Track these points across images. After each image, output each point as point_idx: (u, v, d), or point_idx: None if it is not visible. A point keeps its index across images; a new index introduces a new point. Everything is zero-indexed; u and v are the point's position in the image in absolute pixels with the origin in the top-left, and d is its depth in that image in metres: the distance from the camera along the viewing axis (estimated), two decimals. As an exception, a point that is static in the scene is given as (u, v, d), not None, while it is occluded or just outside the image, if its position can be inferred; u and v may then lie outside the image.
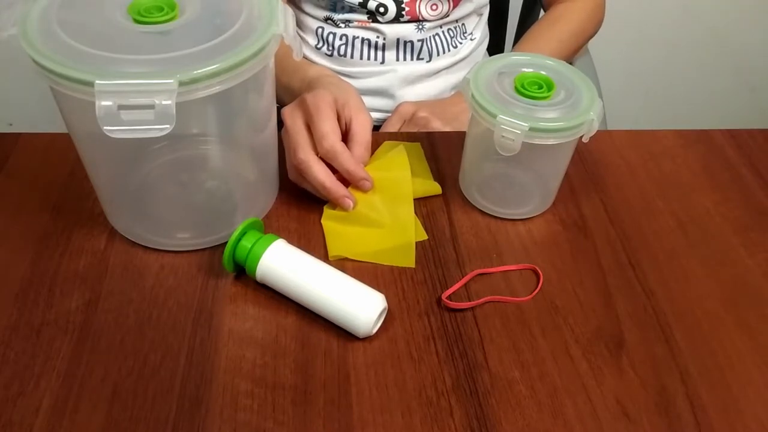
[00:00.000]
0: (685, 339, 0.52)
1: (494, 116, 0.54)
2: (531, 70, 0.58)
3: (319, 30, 0.84)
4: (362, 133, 0.59)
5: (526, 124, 0.53)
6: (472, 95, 0.56)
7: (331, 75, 0.67)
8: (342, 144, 0.57)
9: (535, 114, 0.54)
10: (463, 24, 0.87)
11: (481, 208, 0.62)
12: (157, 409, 0.46)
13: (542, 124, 0.53)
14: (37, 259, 0.55)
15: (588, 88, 0.57)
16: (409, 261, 0.57)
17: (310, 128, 0.58)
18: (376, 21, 0.81)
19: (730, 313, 0.55)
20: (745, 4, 1.46)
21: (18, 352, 0.49)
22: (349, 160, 0.57)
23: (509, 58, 0.60)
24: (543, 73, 0.58)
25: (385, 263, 0.56)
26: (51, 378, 0.48)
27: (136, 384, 0.48)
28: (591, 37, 0.89)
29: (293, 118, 0.59)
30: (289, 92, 0.70)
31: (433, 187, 0.63)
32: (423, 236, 0.59)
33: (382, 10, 0.79)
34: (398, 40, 0.83)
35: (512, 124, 0.53)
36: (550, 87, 0.56)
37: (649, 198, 0.65)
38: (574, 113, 0.55)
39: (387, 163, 0.62)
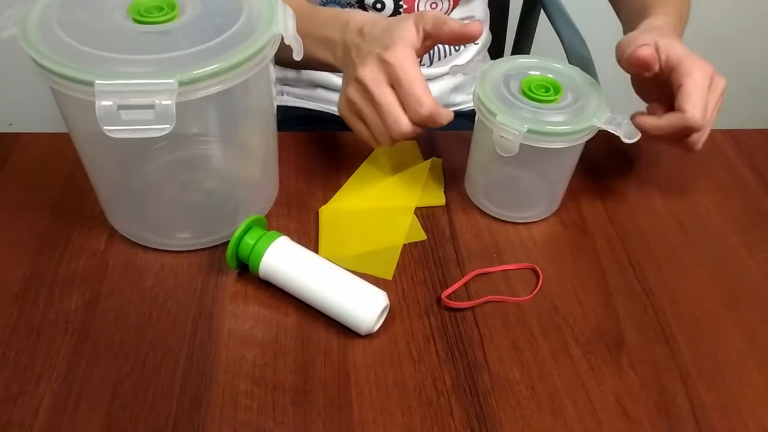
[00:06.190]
0: (685, 339, 0.52)
1: (494, 115, 0.54)
2: (538, 73, 0.58)
3: None
4: (440, 16, 0.54)
5: (525, 126, 0.53)
6: (478, 96, 0.56)
7: (380, 19, 0.58)
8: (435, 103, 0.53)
9: (541, 117, 0.54)
10: None
11: (487, 211, 0.62)
12: (157, 409, 0.46)
13: (548, 128, 0.53)
14: (37, 259, 0.55)
15: (597, 92, 0.57)
16: (388, 271, 0.56)
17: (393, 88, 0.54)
18: None
19: (730, 313, 0.55)
20: (745, 5, 1.46)
21: (18, 352, 0.49)
22: (443, 114, 0.54)
23: (516, 61, 0.60)
24: (550, 76, 0.58)
25: (365, 272, 0.55)
26: (51, 378, 0.48)
27: (136, 384, 0.48)
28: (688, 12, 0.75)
29: (379, 84, 0.53)
30: (325, 43, 0.61)
31: (438, 200, 0.63)
32: (422, 236, 0.59)
33: (379, 6, 0.79)
34: None
35: (511, 125, 0.53)
36: (557, 90, 0.56)
37: (649, 198, 0.65)
38: (580, 117, 0.54)
39: (407, 175, 0.63)
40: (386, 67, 0.53)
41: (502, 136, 0.54)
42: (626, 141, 0.54)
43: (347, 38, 0.58)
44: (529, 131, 0.53)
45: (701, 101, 0.54)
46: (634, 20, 0.64)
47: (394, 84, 0.53)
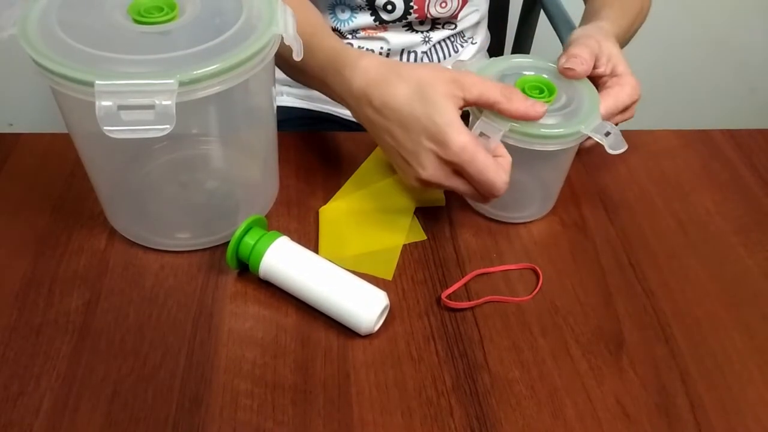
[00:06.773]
0: (685, 339, 0.52)
1: (480, 112, 0.54)
2: (532, 73, 0.58)
3: None
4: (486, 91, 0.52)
5: (507, 125, 0.52)
6: None
7: (390, 88, 0.53)
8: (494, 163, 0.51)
9: None
10: (462, 31, 0.87)
11: (482, 212, 0.62)
12: (157, 409, 0.46)
13: (541, 131, 0.53)
14: (37, 259, 0.55)
15: (591, 95, 0.56)
16: (388, 271, 0.56)
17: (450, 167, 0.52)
18: (381, 22, 0.80)
19: (730, 313, 0.55)
20: (744, 4, 1.46)
21: (18, 352, 0.49)
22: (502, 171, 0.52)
23: (511, 60, 0.60)
24: (545, 77, 0.58)
25: (365, 272, 0.55)
26: (51, 378, 0.48)
27: (136, 384, 0.48)
28: (641, 23, 0.79)
29: (448, 178, 0.52)
30: (324, 86, 0.60)
31: (438, 200, 0.63)
32: (421, 236, 0.59)
33: (389, 8, 0.79)
34: (403, 50, 0.82)
35: (494, 122, 0.52)
36: (551, 91, 0.56)
37: (649, 198, 0.65)
38: (570, 121, 0.54)
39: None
40: (450, 165, 0.51)
41: (481, 133, 0.52)
42: (611, 152, 0.54)
43: (360, 111, 0.55)
44: (519, 132, 0.52)
45: (614, 109, 0.58)
46: (589, 16, 0.70)
47: (462, 172, 0.52)
